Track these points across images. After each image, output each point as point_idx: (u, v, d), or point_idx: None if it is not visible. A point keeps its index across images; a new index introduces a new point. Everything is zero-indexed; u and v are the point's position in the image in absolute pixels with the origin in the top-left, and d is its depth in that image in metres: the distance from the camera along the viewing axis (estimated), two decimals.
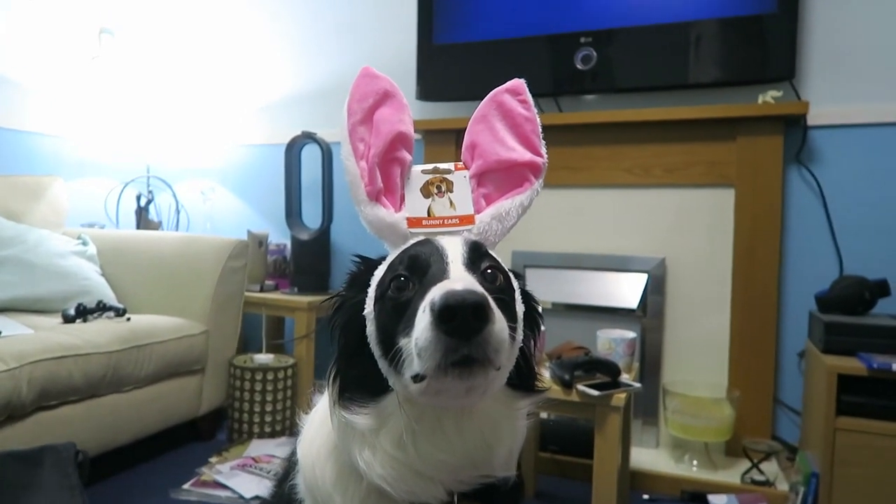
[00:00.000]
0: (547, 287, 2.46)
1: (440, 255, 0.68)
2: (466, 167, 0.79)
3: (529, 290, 0.77)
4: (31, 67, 2.85)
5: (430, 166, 0.78)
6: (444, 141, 2.58)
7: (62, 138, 3.00)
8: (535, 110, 0.80)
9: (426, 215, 0.75)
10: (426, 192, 0.76)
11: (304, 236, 2.73)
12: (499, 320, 0.60)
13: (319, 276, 2.76)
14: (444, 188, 0.77)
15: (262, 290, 2.74)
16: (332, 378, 0.73)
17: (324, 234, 2.74)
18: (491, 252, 0.74)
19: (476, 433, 0.69)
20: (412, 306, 0.64)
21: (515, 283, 0.73)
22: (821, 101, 2.16)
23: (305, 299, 2.59)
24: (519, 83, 0.81)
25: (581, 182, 2.45)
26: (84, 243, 2.47)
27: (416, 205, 0.76)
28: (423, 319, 0.60)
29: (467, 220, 0.76)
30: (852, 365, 1.70)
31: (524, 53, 2.46)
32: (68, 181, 2.82)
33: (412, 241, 0.74)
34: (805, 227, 2.21)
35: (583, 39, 2.36)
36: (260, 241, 2.78)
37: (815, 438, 1.83)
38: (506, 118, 0.79)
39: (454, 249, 0.69)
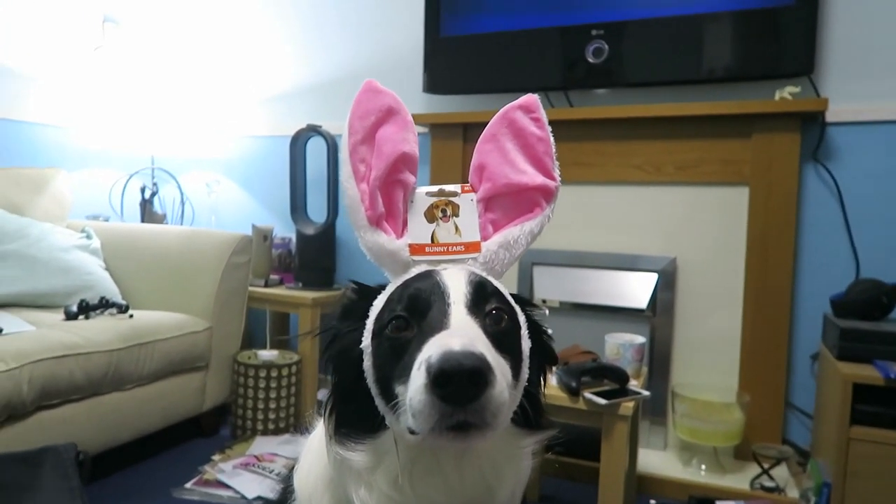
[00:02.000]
0: (555, 286, 2.42)
1: (441, 296, 0.64)
2: (474, 190, 0.75)
3: (539, 321, 0.73)
4: (33, 57, 2.80)
5: (435, 188, 0.74)
6: (451, 135, 2.52)
7: (65, 129, 2.96)
8: (549, 129, 0.75)
9: (430, 241, 0.71)
10: (430, 216, 0.72)
11: (309, 231, 2.70)
12: (499, 382, 0.56)
13: (324, 271, 2.73)
14: (449, 212, 0.72)
15: (266, 285, 2.71)
16: (327, 412, 0.70)
17: (329, 228, 2.70)
18: (497, 285, 0.69)
19: (476, 474, 0.66)
20: (410, 350, 0.61)
21: (522, 319, 0.69)
22: (840, 98, 2.09)
23: (310, 295, 2.56)
24: (532, 99, 0.76)
25: (591, 178, 2.40)
26: (88, 237, 2.45)
27: (419, 230, 0.72)
28: (417, 378, 0.56)
29: (473, 247, 0.71)
30: (868, 373, 1.65)
31: (534, 46, 2.39)
32: (72, 172, 2.79)
33: (413, 272, 0.70)
34: (821, 228, 2.15)
35: (594, 32, 2.29)
36: (265, 236, 2.74)
37: (828, 447, 1.79)
38: (517, 138, 0.74)
39: (457, 289, 0.65)
